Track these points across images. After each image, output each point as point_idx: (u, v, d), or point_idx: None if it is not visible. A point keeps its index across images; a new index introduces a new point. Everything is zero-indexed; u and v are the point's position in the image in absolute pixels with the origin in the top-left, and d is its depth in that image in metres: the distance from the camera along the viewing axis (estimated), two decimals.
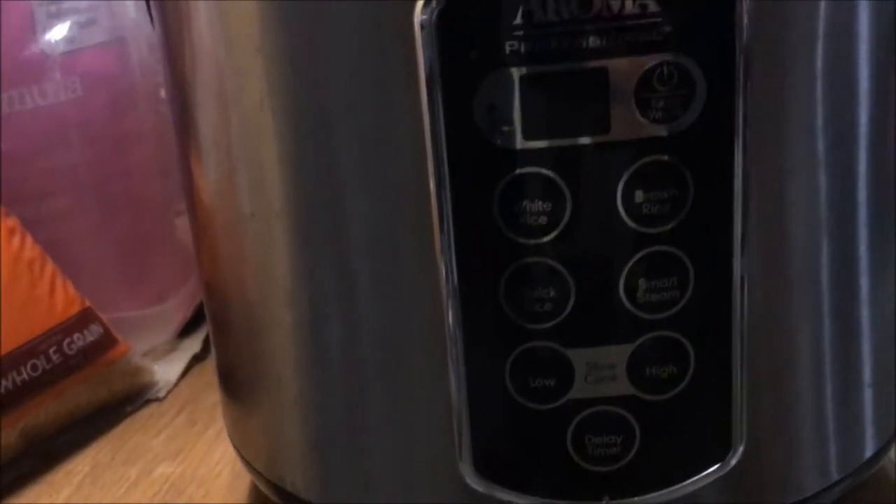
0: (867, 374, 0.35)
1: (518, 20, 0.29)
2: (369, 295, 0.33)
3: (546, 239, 0.31)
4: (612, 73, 0.29)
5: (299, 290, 0.33)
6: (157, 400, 0.52)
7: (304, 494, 0.36)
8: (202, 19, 0.32)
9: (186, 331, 0.57)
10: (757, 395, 0.32)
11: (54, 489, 0.45)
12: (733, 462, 0.33)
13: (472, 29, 0.29)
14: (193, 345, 0.56)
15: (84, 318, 0.48)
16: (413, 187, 0.31)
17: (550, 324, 0.31)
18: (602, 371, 0.32)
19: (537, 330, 0.32)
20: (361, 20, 0.30)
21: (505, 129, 0.30)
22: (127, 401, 0.51)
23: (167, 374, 0.53)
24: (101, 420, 0.50)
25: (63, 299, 0.48)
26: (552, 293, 0.31)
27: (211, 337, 0.41)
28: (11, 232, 0.48)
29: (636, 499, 0.33)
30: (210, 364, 0.55)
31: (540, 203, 0.30)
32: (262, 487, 0.39)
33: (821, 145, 0.31)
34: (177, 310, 0.57)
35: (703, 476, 0.33)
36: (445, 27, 0.29)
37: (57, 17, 0.53)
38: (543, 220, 0.31)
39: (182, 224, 0.58)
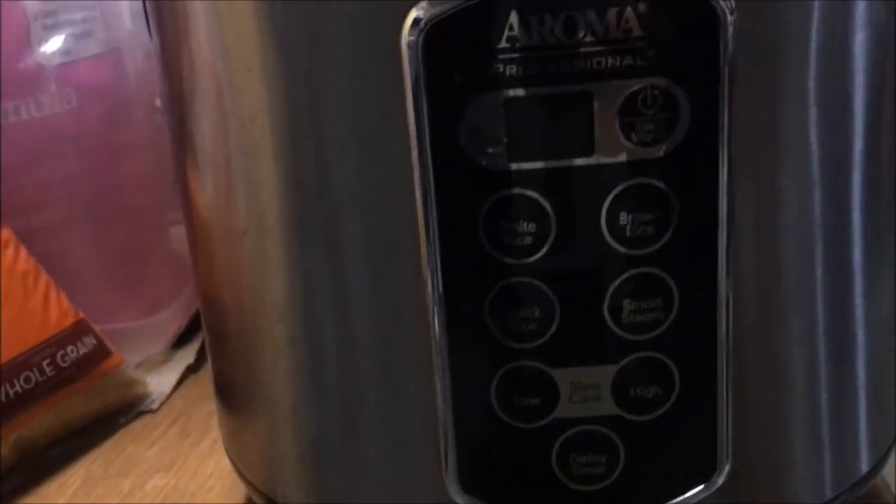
0: (861, 391, 0.35)
1: (503, 43, 0.29)
2: (359, 313, 0.33)
3: (531, 259, 0.31)
4: (596, 97, 0.29)
5: (292, 305, 0.34)
6: (151, 411, 0.52)
7: None
8: (199, 35, 0.33)
9: (180, 342, 0.57)
10: (745, 414, 0.32)
11: (47, 501, 0.46)
12: (720, 482, 0.33)
13: (458, 51, 0.29)
14: (187, 356, 0.56)
15: (78, 330, 0.49)
16: (400, 207, 0.31)
17: (535, 343, 0.32)
18: (587, 391, 0.32)
19: (522, 349, 0.32)
20: (350, 41, 0.30)
21: (490, 150, 0.30)
22: (120, 412, 0.51)
23: (161, 386, 0.53)
24: (94, 432, 0.50)
25: (57, 311, 0.48)
26: (537, 313, 0.31)
27: (207, 347, 0.41)
28: (5, 244, 0.48)
29: None
30: (204, 375, 0.55)
31: (525, 224, 0.31)
32: (256, 499, 0.39)
33: (812, 166, 0.31)
34: (171, 320, 0.57)
35: (689, 496, 0.33)
36: (432, 48, 0.29)
37: (53, 28, 0.53)
38: (528, 240, 0.31)
39: (177, 234, 0.58)
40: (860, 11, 0.30)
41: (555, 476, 0.33)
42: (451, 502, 0.33)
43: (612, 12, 0.29)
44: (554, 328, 0.31)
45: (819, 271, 0.32)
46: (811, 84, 0.30)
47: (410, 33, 0.29)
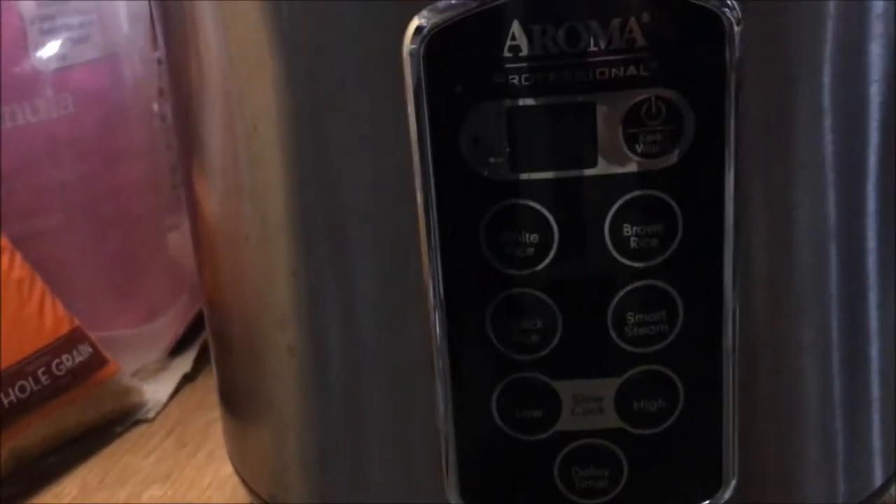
0: (875, 403, 0.34)
1: (506, 53, 0.29)
2: (361, 321, 0.33)
3: (534, 270, 0.31)
4: (599, 107, 0.29)
5: (296, 311, 0.34)
6: (147, 420, 0.51)
7: None
8: (206, 41, 0.32)
9: (177, 350, 0.57)
10: (752, 428, 0.32)
11: None
12: (725, 497, 0.32)
13: (460, 60, 0.29)
14: (184, 364, 0.55)
15: (73, 338, 0.48)
16: (402, 216, 0.31)
17: (537, 355, 0.31)
18: (589, 403, 0.32)
19: (524, 361, 0.31)
20: (352, 48, 0.30)
21: (492, 160, 0.30)
22: (116, 421, 0.51)
23: (157, 394, 0.53)
24: (89, 441, 0.49)
25: (52, 319, 0.48)
26: (539, 325, 0.31)
27: (211, 352, 0.41)
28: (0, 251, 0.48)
29: None
30: (201, 384, 0.54)
31: (527, 235, 0.30)
32: None
33: (826, 178, 0.31)
34: (168, 328, 0.56)
35: None
36: (434, 57, 0.29)
37: (49, 33, 0.52)
38: (531, 251, 0.30)
39: (174, 239, 0.58)
40: (874, 21, 0.30)
41: (556, 490, 0.32)
42: None
43: (615, 22, 0.28)
44: (556, 340, 0.31)
45: (831, 283, 0.32)
46: (824, 95, 0.30)
47: (412, 41, 0.29)
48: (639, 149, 0.29)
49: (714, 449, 0.32)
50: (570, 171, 0.30)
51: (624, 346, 0.31)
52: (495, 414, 0.32)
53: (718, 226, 0.30)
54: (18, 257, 0.48)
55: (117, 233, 0.55)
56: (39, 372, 0.46)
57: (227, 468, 0.45)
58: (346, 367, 0.34)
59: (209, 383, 0.54)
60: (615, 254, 0.30)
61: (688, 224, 0.30)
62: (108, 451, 0.49)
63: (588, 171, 0.30)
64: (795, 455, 0.34)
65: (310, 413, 0.35)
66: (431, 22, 0.29)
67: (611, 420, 0.32)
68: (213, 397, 0.51)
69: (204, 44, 0.32)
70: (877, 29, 0.30)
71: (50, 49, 0.52)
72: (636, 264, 0.30)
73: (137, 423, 0.51)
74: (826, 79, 0.30)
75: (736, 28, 0.28)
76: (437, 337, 0.31)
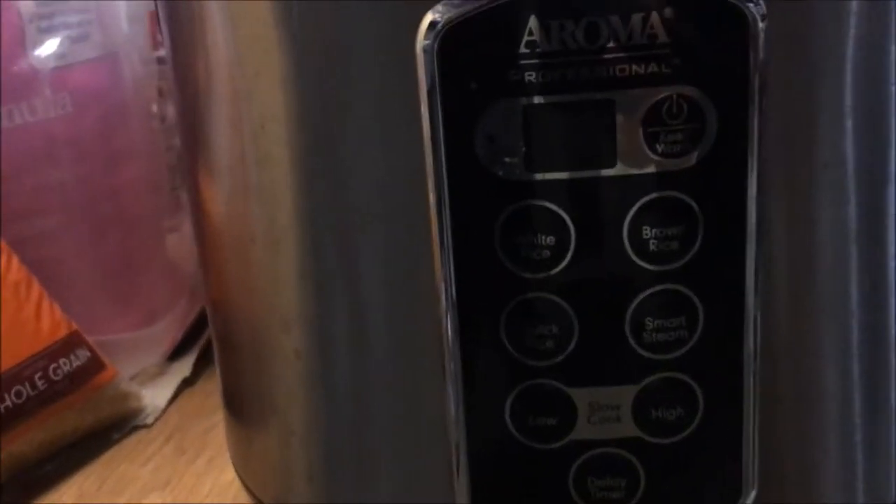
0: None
1: (523, 49, 0.28)
2: (371, 326, 0.32)
3: (549, 274, 0.30)
4: (619, 105, 0.28)
5: (303, 316, 0.33)
6: (145, 426, 0.50)
7: None
8: (213, 39, 0.32)
9: (176, 353, 0.56)
10: (772, 438, 0.31)
11: None
12: None
13: (475, 56, 0.28)
14: (183, 368, 0.54)
15: (71, 342, 0.47)
16: (414, 217, 0.30)
17: (553, 361, 0.30)
18: (606, 412, 0.31)
19: (539, 367, 0.31)
20: (364, 45, 0.29)
21: (507, 160, 0.29)
22: (114, 427, 0.49)
23: (155, 400, 0.52)
24: (86, 447, 0.48)
25: (49, 322, 0.47)
26: (555, 330, 0.30)
27: (216, 355, 0.40)
28: None
29: None
30: (200, 388, 0.54)
31: (543, 237, 0.29)
32: None
33: (847, 180, 0.30)
34: (167, 331, 0.56)
35: None
36: (448, 53, 0.28)
37: (48, 31, 0.51)
38: (547, 254, 0.30)
39: (173, 241, 0.57)
40: None
41: (571, 500, 0.31)
42: None
43: (636, 17, 0.27)
44: (572, 346, 0.30)
45: (853, 288, 0.31)
46: (846, 93, 0.29)
47: (426, 37, 0.28)
48: (659, 148, 0.28)
49: (734, 459, 0.31)
50: (588, 171, 0.29)
51: (642, 352, 0.30)
52: (508, 421, 0.31)
53: (741, 228, 0.29)
54: (15, 259, 0.47)
55: (116, 234, 0.54)
56: (36, 377, 0.45)
57: (228, 475, 0.45)
58: (355, 371, 0.33)
59: (209, 388, 0.53)
60: (634, 257, 0.29)
61: (709, 226, 0.29)
62: (105, 458, 0.48)
63: (606, 172, 0.29)
64: (815, 464, 0.33)
65: (316, 418, 0.34)
66: (446, 17, 0.28)
67: (628, 429, 0.31)
68: (213, 402, 0.50)
69: (212, 42, 0.32)
70: None
71: (48, 48, 0.51)
72: (655, 268, 0.29)
73: (135, 428, 0.50)
74: (848, 77, 0.29)
75: (761, 24, 0.28)
76: (450, 342, 0.30)
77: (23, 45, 0.50)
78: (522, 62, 0.28)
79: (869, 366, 0.32)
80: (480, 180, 0.29)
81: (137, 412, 0.51)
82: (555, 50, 0.28)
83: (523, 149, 0.29)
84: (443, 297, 0.30)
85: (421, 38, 0.28)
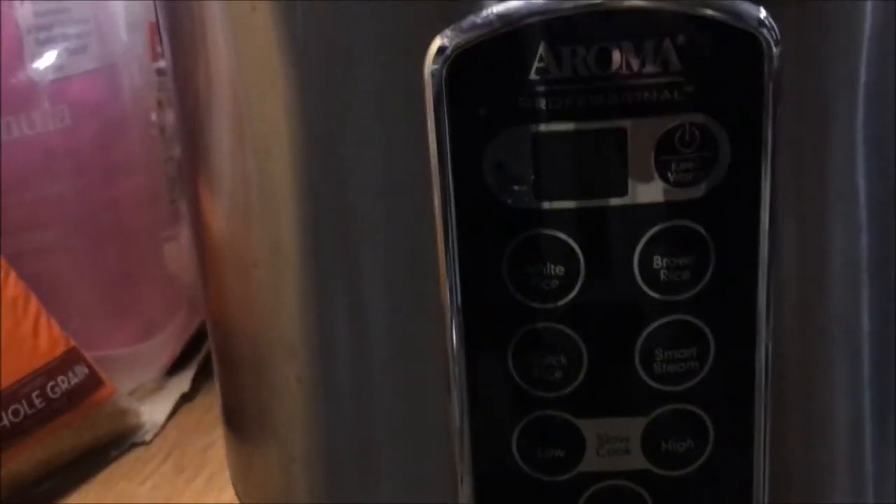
0: None
1: (533, 75, 0.27)
2: (375, 354, 0.31)
3: (558, 304, 0.29)
4: (631, 133, 0.28)
5: (306, 341, 0.32)
6: (144, 443, 0.50)
7: None
8: (215, 56, 0.31)
9: (175, 368, 0.55)
10: (784, 471, 0.31)
11: None
12: None
13: (484, 82, 0.28)
14: (182, 383, 0.54)
15: (69, 359, 0.47)
16: (420, 245, 0.29)
17: (561, 392, 0.30)
18: (615, 444, 0.30)
19: (547, 398, 0.30)
20: (371, 69, 0.28)
21: (516, 188, 0.28)
22: (112, 444, 0.49)
23: (154, 416, 0.51)
24: (84, 465, 0.48)
25: (47, 339, 0.46)
26: (564, 361, 0.30)
27: (216, 372, 0.39)
28: None
29: None
30: (199, 404, 0.53)
31: (552, 266, 0.29)
32: None
33: (859, 210, 0.29)
34: (165, 346, 0.55)
35: None
36: (457, 79, 0.27)
37: (46, 43, 0.51)
38: (556, 283, 0.29)
39: (171, 251, 0.57)
40: None
41: None
42: None
43: (648, 44, 0.27)
44: (581, 377, 0.30)
45: (865, 319, 0.30)
46: (858, 121, 0.28)
47: (434, 62, 0.27)
48: (671, 177, 0.28)
49: (744, 492, 0.30)
50: (599, 199, 0.28)
51: (652, 383, 0.30)
52: (516, 453, 0.30)
53: (752, 258, 0.29)
54: (13, 275, 0.47)
55: (114, 247, 0.54)
56: (34, 395, 0.45)
57: (227, 495, 0.44)
58: (358, 399, 0.32)
59: (208, 403, 0.53)
60: (644, 287, 0.29)
61: (721, 256, 0.29)
62: (103, 477, 0.47)
63: (617, 200, 0.28)
64: (825, 495, 0.32)
65: (318, 445, 0.34)
66: (454, 42, 0.27)
67: (637, 461, 0.30)
68: (212, 418, 0.49)
69: (215, 61, 0.31)
70: None
71: (47, 59, 0.50)
72: (666, 298, 0.29)
73: (133, 446, 0.50)
74: (861, 106, 0.29)
75: (775, 50, 0.27)
76: (456, 372, 0.30)
77: (21, 57, 0.50)
78: (533, 89, 0.27)
79: (880, 396, 0.32)
80: (489, 208, 0.28)
81: (136, 429, 0.50)
82: (566, 77, 0.27)
83: (532, 177, 0.28)
84: (449, 326, 0.29)
85: (429, 64, 0.27)
